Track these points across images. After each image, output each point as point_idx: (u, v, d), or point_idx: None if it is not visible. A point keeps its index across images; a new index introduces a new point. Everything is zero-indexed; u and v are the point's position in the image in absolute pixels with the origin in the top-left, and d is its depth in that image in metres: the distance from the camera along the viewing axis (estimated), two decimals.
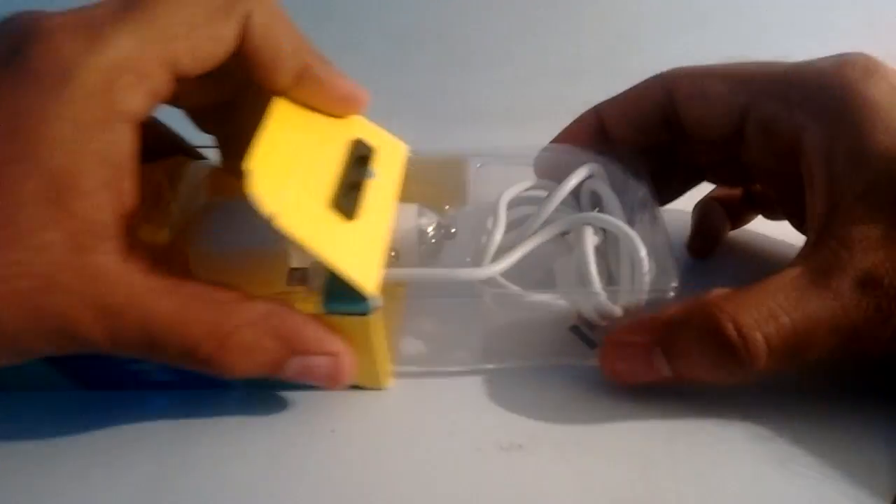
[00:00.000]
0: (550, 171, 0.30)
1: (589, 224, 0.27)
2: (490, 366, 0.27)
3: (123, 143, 0.21)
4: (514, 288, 0.26)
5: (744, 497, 0.22)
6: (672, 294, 0.24)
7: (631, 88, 0.30)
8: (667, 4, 0.42)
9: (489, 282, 0.26)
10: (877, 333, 0.22)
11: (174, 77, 0.22)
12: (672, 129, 0.29)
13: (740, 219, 0.34)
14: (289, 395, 0.26)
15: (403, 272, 0.26)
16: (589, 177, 0.29)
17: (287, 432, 0.25)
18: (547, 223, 0.28)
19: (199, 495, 0.23)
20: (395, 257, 0.27)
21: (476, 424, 0.25)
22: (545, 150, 0.31)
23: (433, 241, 0.28)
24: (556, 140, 0.31)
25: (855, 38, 0.42)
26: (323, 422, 0.25)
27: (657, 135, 0.30)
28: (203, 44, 0.22)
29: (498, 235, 0.27)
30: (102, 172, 0.20)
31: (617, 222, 0.26)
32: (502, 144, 0.34)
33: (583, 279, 0.26)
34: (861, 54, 0.25)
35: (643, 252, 0.25)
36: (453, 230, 0.29)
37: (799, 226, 0.30)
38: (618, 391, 0.26)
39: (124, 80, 0.20)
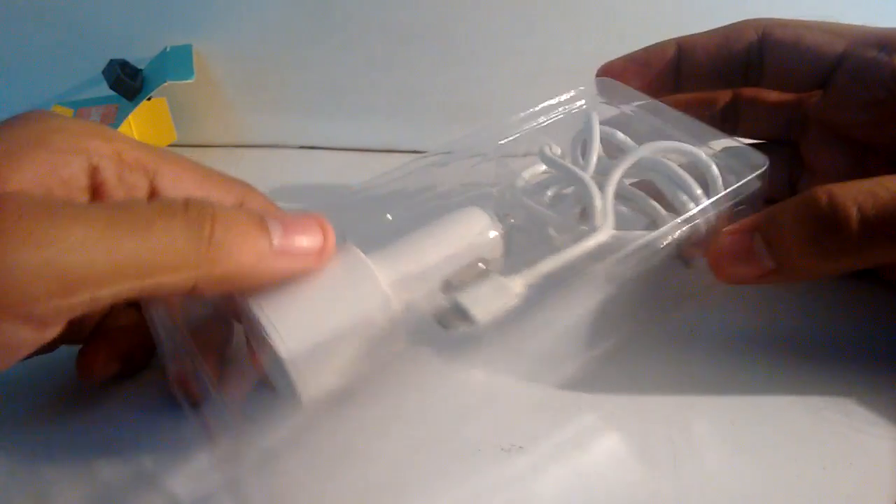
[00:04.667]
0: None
1: (657, 156, 0.27)
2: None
3: None
4: (637, 233, 0.24)
5: (747, 499, 0.22)
6: (762, 171, 0.25)
7: (720, 28, 0.30)
8: (669, 3, 0.42)
9: (610, 242, 0.24)
10: None
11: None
12: (749, 78, 0.29)
13: None
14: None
15: (546, 265, 0.23)
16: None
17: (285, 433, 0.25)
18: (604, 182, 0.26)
19: (196, 496, 0.23)
20: (485, 267, 0.24)
21: (476, 425, 0.25)
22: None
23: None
24: (629, 60, 0.31)
25: None
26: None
27: (733, 79, 0.30)
28: (188, 183, 0.23)
29: (598, 201, 0.25)
30: None
31: (674, 143, 0.26)
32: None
33: (679, 199, 0.25)
34: None
35: (703, 155, 0.26)
36: (512, 220, 0.26)
37: None
38: (619, 392, 0.25)
39: None
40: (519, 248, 0.25)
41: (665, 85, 0.30)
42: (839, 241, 0.22)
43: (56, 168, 0.20)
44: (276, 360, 0.20)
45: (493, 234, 0.24)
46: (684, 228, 0.24)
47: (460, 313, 0.22)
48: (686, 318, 0.29)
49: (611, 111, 0.30)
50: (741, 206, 0.25)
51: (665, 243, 0.24)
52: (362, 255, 0.22)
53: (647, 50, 0.31)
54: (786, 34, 0.28)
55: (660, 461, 0.23)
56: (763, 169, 0.25)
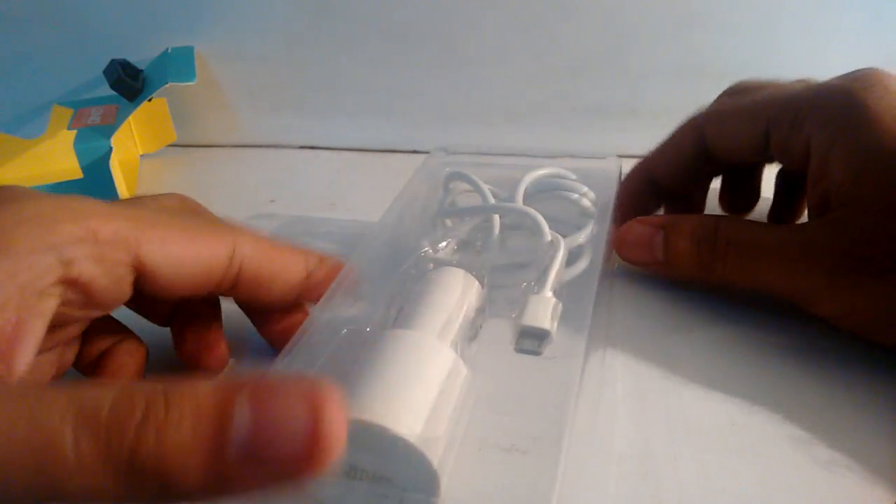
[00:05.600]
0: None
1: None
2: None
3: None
4: (581, 233, 0.29)
5: (746, 497, 0.22)
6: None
7: (668, 139, 0.33)
8: (669, 3, 0.42)
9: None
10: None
11: (135, 263, 0.21)
12: (710, 161, 0.32)
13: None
14: None
15: (552, 275, 0.26)
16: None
17: None
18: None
19: None
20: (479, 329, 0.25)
21: (477, 425, 0.25)
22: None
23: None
24: (622, 202, 0.34)
25: (857, 39, 0.42)
26: None
27: (699, 169, 0.33)
28: (175, 245, 0.22)
29: (543, 223, 0.28)
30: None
31: (549, 169, 0.33)
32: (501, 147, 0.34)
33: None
34: (871, 69, 0.27)
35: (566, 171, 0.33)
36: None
37: None
38: (619, 391, 0.26)
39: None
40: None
41: (652, 206, 0.34)
42: (713, 264, 0.28)
43: (16, 275, 0.19)
44: (405, 451, 0.18)
45: (476, 283, 0.26)
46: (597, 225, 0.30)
47: (533, 333, 0.24)
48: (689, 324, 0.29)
49: None
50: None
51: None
52: (402, 330, 0.22)
53: (624, 187, 0.34)
54: (718, 127, 0.31)
55: (661, 462, 0.23)
56: (617, 176, 0.32)
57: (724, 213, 0.29)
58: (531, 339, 0.24)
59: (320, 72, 0.47)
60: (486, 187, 0.32)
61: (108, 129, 0.43)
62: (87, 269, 0.20)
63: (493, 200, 0.31)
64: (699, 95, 0.33)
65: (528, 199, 0.31)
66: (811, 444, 0.23)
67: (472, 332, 0.25)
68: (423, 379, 0.20)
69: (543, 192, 0.32)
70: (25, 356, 0.19)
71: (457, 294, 0.25)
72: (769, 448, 0.23)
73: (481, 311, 0.26)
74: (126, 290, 0.22)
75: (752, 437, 0.24)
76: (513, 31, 0.44)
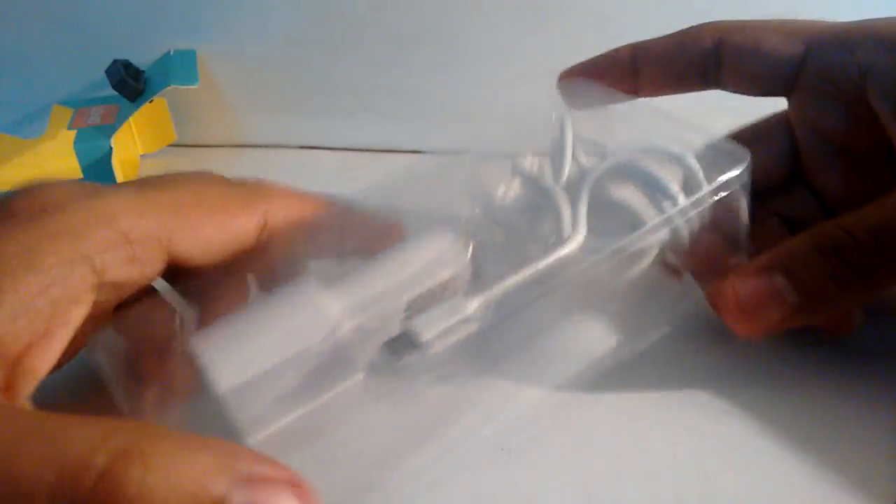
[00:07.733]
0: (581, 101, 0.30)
1: (632, 159, 0.24)
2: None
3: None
4: (613, 238, 0.22)
5: (745, 497, 0.22)
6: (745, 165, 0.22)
7: (676, 32, 0.29)
8: (667, 3, 0.42)
9: (582, 252, 0.22)
10: None
11: (167, 255, 0.21)
12: (707, 83, 0.28)
13: None
14: None
15: (506, 282, 0.22)
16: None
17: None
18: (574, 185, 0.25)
19: None
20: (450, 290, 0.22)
21: (475, 425, 0.25)
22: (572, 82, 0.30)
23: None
24: (585, 67, 0.30)
25: None
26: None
27: (690, 85, 0.29)
28: (207, 231, 0.22)
29: (566, 210, 0.23)
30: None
31: (650, 144, 0.24)
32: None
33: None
34: None
35: (676, 149, 0.24)
36: (478, 239, 0.23)
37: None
38: (620, 392, 0.25)
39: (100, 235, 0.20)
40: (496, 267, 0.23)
41: (624, 90, 0.30)
42: (860, 271, 0.21)
43: (48, 290, 0.18)
44: (216, 396, 0.19)
45: (458, 254, 0.22)
46: (664, 230, 0.23)
47: (409, 336, 0.21)
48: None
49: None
50: (727, 208, 0.24)
51: (641, 246, 0.22)
52: (312, 282, 0.21)
53: (603, 56, 0.30)
54: (744, 39, 0.27)
55: (661, 463, 0.23)
56: (746, 164, 0.23)
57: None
58: (403, 342, 0.21)
59: (320, 72, 0.47)
60: (569, 152, 0.26)
61: (108, 129, 0.43)
62: (122, 271, 0.20)
63: (566, 166, 0.25)
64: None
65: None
66: (811, 443, 0.23)
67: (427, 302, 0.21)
68: (272, 332, 0.20)
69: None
70: (43, 369, 0.19)
71: (419, 265, 0.22)
72: (769, 448, 0.23)
73: (446, 284, 0.22)
74: (156, 275, 0.22)
75: (751, 436, 0.24)
76: (513, 31, 0.44)
